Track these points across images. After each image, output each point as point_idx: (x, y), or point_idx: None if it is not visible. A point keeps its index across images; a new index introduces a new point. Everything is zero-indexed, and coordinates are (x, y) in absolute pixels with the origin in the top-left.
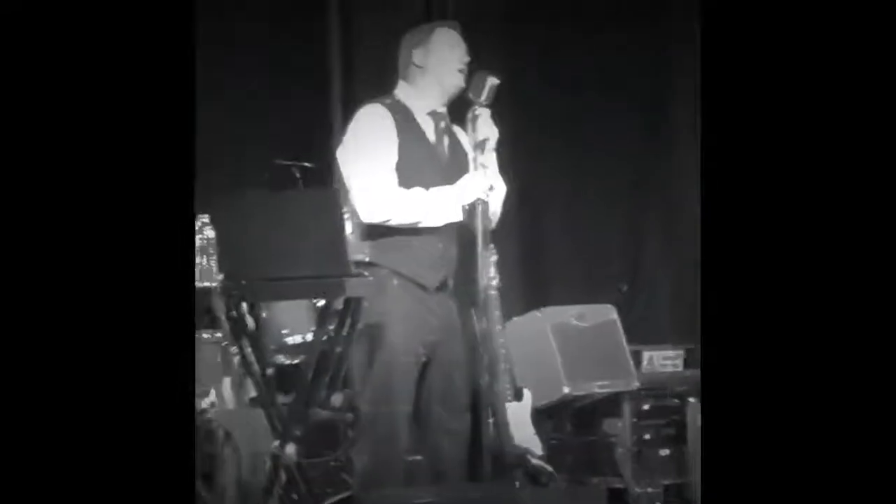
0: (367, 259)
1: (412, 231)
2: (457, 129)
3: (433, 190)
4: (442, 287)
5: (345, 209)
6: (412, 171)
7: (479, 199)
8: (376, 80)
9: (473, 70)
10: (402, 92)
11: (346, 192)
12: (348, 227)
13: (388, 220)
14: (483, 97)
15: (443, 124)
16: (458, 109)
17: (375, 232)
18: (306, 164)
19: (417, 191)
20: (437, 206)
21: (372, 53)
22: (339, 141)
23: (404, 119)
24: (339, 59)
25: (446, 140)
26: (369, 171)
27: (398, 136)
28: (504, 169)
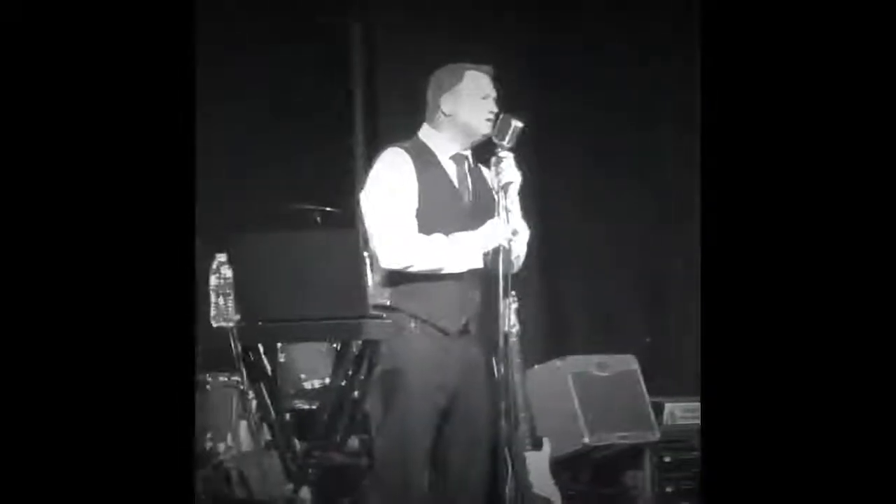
0: (387, 303)
1: (434, 277)
2: (483, 169)
3: (454, 236)
4: (464, 332)
5: (365, 253)
6: (434, 216)
7: (500, 246)
8: (402, 123)
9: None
10: (426, 135)
11: (368, 237)
12: (369, 272)
13: (408, 267)
14: (507, 140)
15: (466, 166)
16: (481, 149)
17: (396, 278)
18: (328, 208)
19: (438, 237)
20: (458, 253)
21: (397, 95)
22: (362, 186)
23: (426, 162)
24: (362, 100)
25: (469, 182)
26: (389, 216)
27: (419, 180)
28: (526, 213)
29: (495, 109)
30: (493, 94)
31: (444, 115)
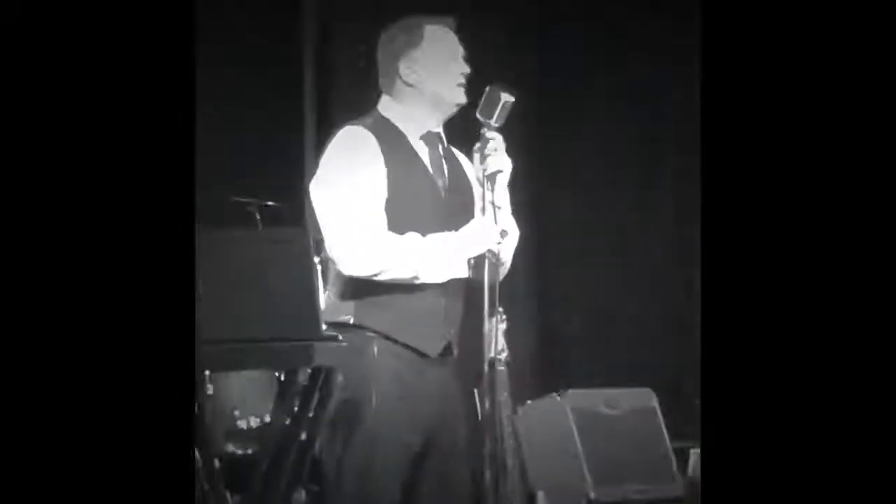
0: (350, 320)
1: (408, 288)
2: (456, 152)
3: (432, 237)
4: (445, 355)
5: (317, 257)
6: (406, 210)
7: (488, 252)
8: (357, 99)
9: (476, 83)
10: (388, 109)
11: (321, 237)
12: (323, 282)
13: (376, 275)
14: (495, 118)
15: (440, 148)
16: (455, 126)
17: (360, 289)
18: (268, 202)
19: (413, 238)
20: (437, 258)
21: (352, 67)
22: (312, 173)
23: (393, 143)
24: (312, 74)
25: (445, 168)
26: (350, 210)
27: (386, 165)
28: (517, 209)
29: (467, 70)
30: (462, 51)
31: (406, 84)
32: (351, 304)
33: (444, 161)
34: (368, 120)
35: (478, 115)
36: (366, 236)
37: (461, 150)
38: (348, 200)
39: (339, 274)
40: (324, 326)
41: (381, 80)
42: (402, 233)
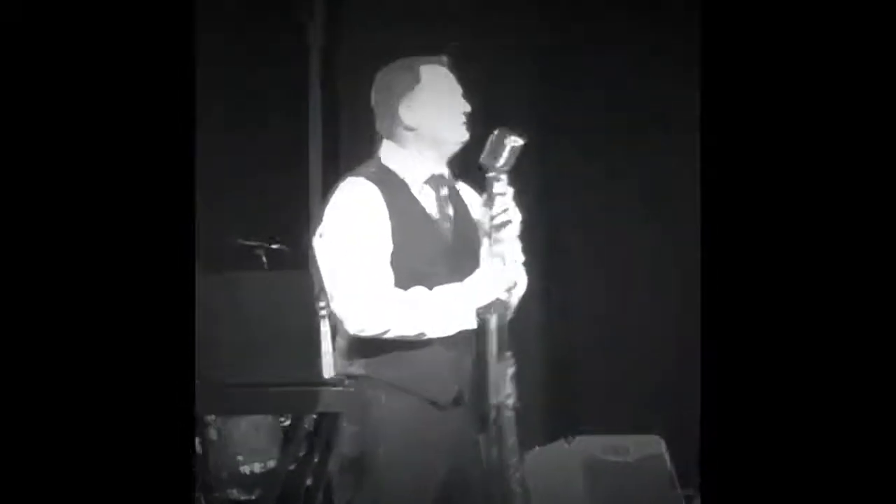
0: (361, 371)
1: (416, 344)
2: (462, 190)
3: (438, 290)
4: (457, 402)
5: (322, 303)
6: (411, 261)
7: (496, 300)
8: (362, 141)
9: (478, 124)
10: (389, 156)
11: (328, 294)
12: (327, 329)
13: (383, 333)
14: (502, 162)
15: (444, 191)
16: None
17: (369, 346)
18: (275, 245)
19: (419, 292)
20: (445, 313)
21: (357, 107)
22: (318, 216)
23: (396, 193)
24: (318, 114)
25: (451, 212)
26: (356, 268)
27: (390, 216)
28: (525, 251)
29: (468, 108)
30: (460, 89)
31: (407, 129)
32: (361, 360)
33: (449, 204)
34: (371, 169)
35: (481, 162)
36: (371, 296)
37: (469, 183)
38: (352, 257)
39: (345, 331)
40: (330, 375)
41: (379, 125)
42: (407, 286)
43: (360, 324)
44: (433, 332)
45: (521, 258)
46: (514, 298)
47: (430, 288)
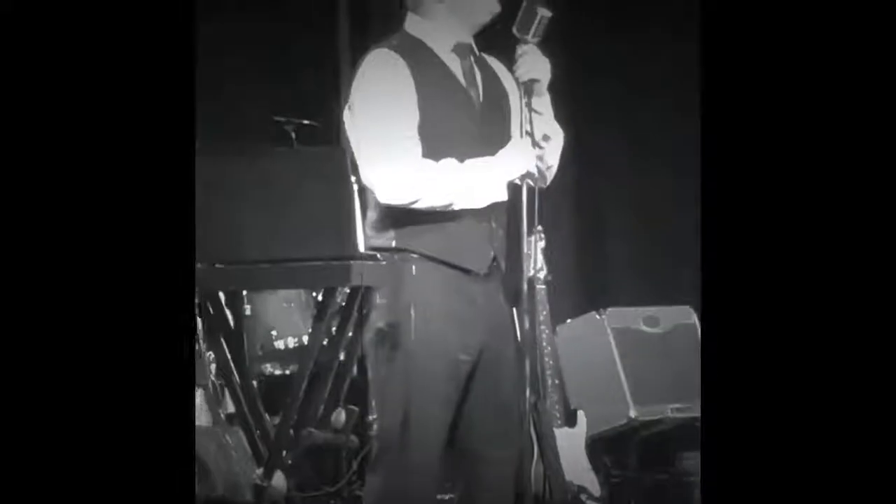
0: (392, 244)
1: (448, 215)
2: (490, 59)
3: (469, 163)
4: (492, 272)
5: (354, 177)
6: (439, 129)
7: (527, 172)
8: (390, 15)
9: None
10: (415, 26)
11: (358, 165)
12: (361, 205)
13: (414, 202)
14: (532, 33)
15: (471, 58)
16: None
17: (398, 217)
18: (304, 120)
19: (450, 163)
20: (475, 184)
21: None
22: (347, 91)
23: (422, 61)
24: None
25: (479, 77)
26: (384, 138)
27: (416, 86)
28: (559, 115)
29: None
30: None
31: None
32: (391, 232)
33: (476, 70)
34: (395, 41)
35: (514, 31)
36: (400, 165)
37: (495, 58)
38: (381, 128)
39: (377, 202)
40: (362, 249)
41: None
42: (438, 157)
43: (391, 193)
44: (464, 204)
45: (551, 112)
46: (551, 156)
47: (461, 159)
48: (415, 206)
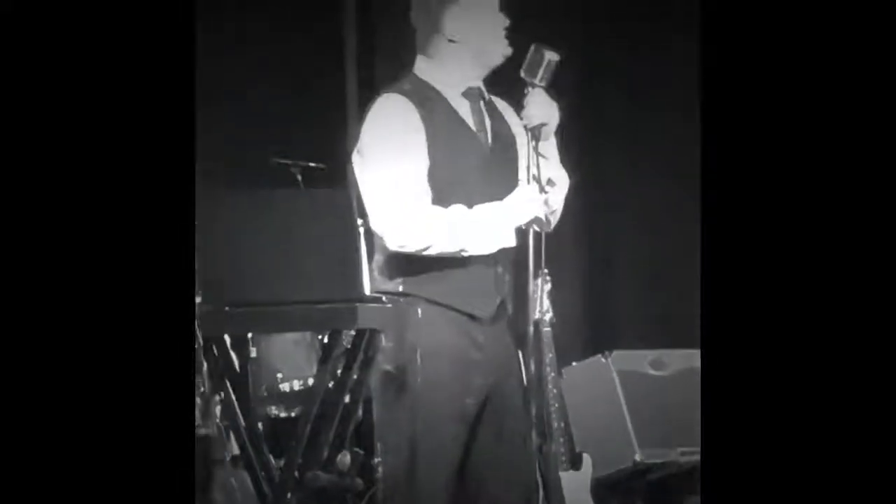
0: (400, 289)
1: (456, 261)
2: (499, 103)
3: (478, 209)
4: (498, 316)
5: (360, 219)
6: (450, 175)
7: (535, 217)
8: (398, 59)
9: (521, 41)
10: (424, 69)
11: (366, 210)
12: (363, 247)
13: (423, 250)
14: (539, 77)
15: (481, 102)
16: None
17: (408, 263)
18: (311, 163)
19: (458, 210)
20: (484, 231)
21: (393, 27)
22: (354, 135)
23: (432, 106)
24: (354, 33)
25: (488, 123)
26: (393, 184)
27: (426, 131)
28: (566, 159)
29: (507, 21)
30: (497, 2)
31: (449, 41)
32: (399, 278)
33: (485, 114)
34: (405, 85)
35: (522, 75)
36: (410, 211)
37: (503, 97)
38: (391, 174)
39: (384, 248)
40: (368, 292)
41: (417, 39)
42: (447, 203)
43: (400, 239)
44: (473, 250)
45: (557, 157)
46: (556, 200)
47: (470, 205)
48: (424, 253)
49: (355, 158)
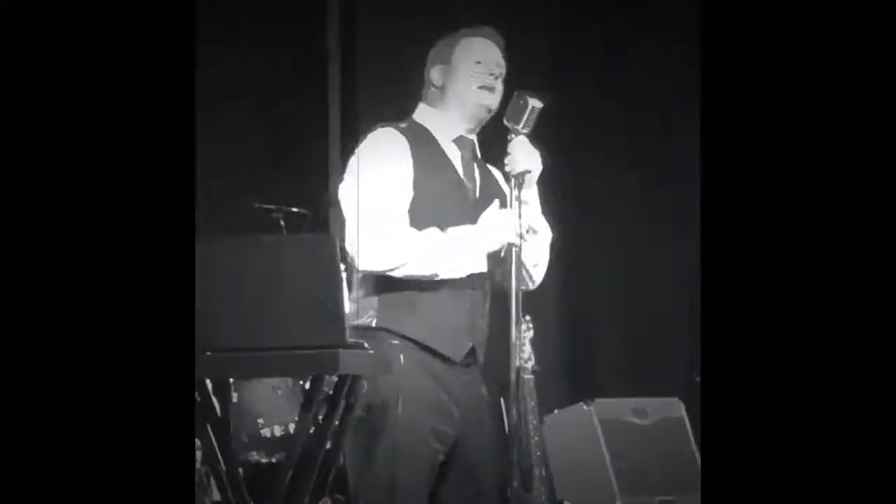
0: (372, 323)
1: (428, 286)
2: (490, 167)
3: (451, 230)
4: (469, 361)
5: (343, 264)
6: (432, 211)
7: (510, 244)
8: (383, 109)
9: (510, 89)
10: (423, 115)
11: (345, 234)
12: (345, 289)
13: (395, 268)
14: (522, 124)
15: (472, 155)
16: (490, 139)
17: (381, 287)
18: (293, 209)
19: (432, 232)
20: (456, 252)
21: (380, 76)
22: (336, 182)
23: (424, 145)
24: (338, 82)
25: (476, 173)
26: (375, 207)
27: (414, 165)
28: (548, 211)
29: (495, 72)
30: (492, 58)
31: (434, 87)
32: (372, 305)
33: (475, 167)
34: (402, 124)
35: (505, 122)
36: (384, 230)
37: (496, 167)
38: (375, 197)
39: (358, 272)
40: (348, 332)
41: (422, 90)
42: (422, 229)
43: (373, 258)
44: (445, 273)
45: (539, 206)
46: (539, 253)
47: (443, 228)
48: (396, 273)
49: (342, 186)
